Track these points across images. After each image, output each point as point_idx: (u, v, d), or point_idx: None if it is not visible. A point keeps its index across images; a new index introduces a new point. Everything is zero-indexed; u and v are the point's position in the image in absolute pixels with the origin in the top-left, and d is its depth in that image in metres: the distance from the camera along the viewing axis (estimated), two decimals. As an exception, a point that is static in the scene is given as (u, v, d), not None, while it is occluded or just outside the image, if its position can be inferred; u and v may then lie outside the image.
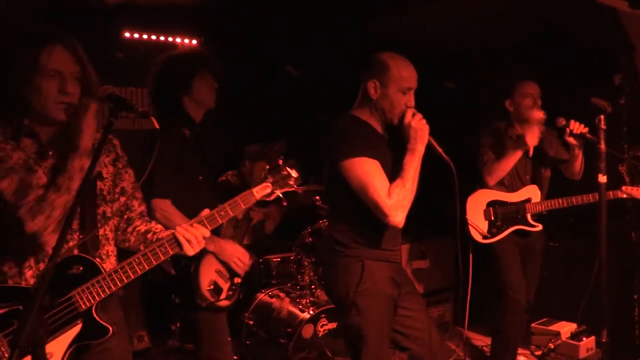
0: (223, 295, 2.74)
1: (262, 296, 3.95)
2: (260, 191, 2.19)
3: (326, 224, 3.93)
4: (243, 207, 2.14)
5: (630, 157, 4.00)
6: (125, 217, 2.13)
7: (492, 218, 3.66)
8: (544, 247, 3.86)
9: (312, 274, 3.96)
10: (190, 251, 1.98)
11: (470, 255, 3.50)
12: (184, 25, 4.58)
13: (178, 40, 4.63)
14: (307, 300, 3.76)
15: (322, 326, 3.65)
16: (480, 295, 3.47)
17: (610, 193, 3.51)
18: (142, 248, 2.05)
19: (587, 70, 4.07)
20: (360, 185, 2.33)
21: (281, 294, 3.88)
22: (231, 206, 2.10)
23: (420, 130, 2.37)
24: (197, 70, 2.81)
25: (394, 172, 2.41)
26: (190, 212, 2.60)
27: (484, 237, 3.65)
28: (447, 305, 4.77)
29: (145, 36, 4.47)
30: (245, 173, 4.85)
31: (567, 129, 3.33)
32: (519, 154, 3.52)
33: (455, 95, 4.84)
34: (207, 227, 2.02)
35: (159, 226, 2.13)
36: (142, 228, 2.12)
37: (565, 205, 3.58)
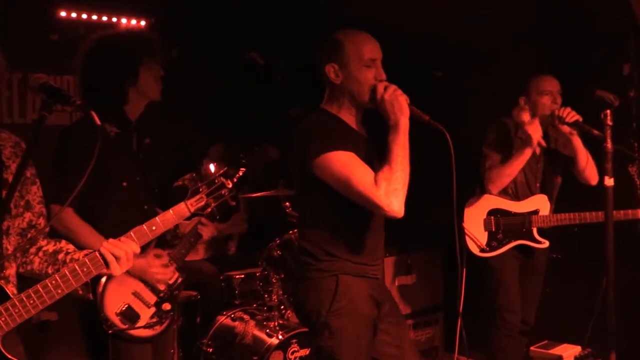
0: (141, 323, 2.65)
1: (223, 319, 3.92)
2: (194, 204, 2.15)
3: (297, 234, 3.93)
4: (175, 220, 2.11)
5: (642, 157, 4.09)
6: (28, 235, 2.01)
7: (493, 229, 3.68)
8: (547, 263, 3.89)
9: (281, 292, 3.94)
10: (117, 270, 1.92)
11: (464, 270, 3.54)
12: (131, 4, 4.55)
13: (124, 21, 4.58)
14: (276, 323, 3.73)
15: (292, 353, 3.63)
16: (475, 316, 3.52)
17: (630, 212, 3.53)
18: (50, 271, 1.96)
19: (593, 59, 4.15)
20: (341, 181, 2.33)
21: (245, 317, 3.85)
22: (163, 219, 2.06)
23: (396, 101, 2.36)
24: (144, 55, 2.77)
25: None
26: (109, 224, 2.56)
27: (482, 250, 3.67)
28: (437, 327, 4.78)
29: (84, 15, 4.40)
30: (204, 177, 4.85)
31: (556, 115, 3.38)
32: (527, 154, 3.51)
33: (445, 86, 4.91)
34: (135, 242, 1.97)
35: (71, 246, 2.05)
36: (50, 248, 2.03)
37: (578, 222, 3.59)
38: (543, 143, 3.56)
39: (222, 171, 2.29)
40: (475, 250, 3.67)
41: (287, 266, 3.97)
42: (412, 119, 2.40)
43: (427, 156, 4.47)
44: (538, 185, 3.74)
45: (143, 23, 4.67)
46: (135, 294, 2.69)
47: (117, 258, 1.92)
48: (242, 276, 4.18)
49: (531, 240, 3.70)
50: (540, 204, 3.70)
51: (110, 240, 1.95)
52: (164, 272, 2.75)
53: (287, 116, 5.07)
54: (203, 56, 4.82)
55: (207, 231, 3.10)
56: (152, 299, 2.73)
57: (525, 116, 3.49)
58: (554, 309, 4.30)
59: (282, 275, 3.99)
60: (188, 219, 2.19)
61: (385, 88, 2.40)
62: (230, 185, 2.26)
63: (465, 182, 3.43)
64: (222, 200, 2.23)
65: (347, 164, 2.33)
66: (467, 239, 3.66)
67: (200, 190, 2.20)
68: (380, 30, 2.54)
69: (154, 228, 2.04)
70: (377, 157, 2.48)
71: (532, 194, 3.72)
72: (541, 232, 3.72)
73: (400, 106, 2.36)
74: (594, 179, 3.64)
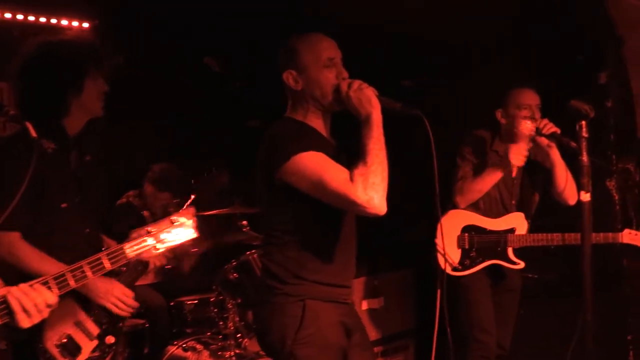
0: (82, 357, 2.60)
1: (173, 349, 3.87)
2: (136, 248, 2.10)
3: (255, 256, 3.90)
4: (109, 267, 2.05)
5: (620, 170, 4.17)
6: None
7: (467, 247, 3.71)
8: (522, 283, 3.92)
9: (237, 319, 3.92)
10: (25, 322, 1.84)
11: (439, 291, 3.54)
12: (72, 4, 4.49)
13: (64, 22, 4.52)
14: (232, 353, 3.72)
15: (251, 386, 3.63)
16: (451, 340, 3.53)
17: (610, 236, 3.57)
18: None
19: (570, 67, 4.23)
20: (314, 181, 2.31)
21: (198, 346, 3.83)
22: (92, 266, 2.00)
23: (363, 95, 2.37)
24: (91, 65, 2.72)
25: None
26: (48, 251, 2.47)
27: (454, 269, 3.69)
28: (407, 354, 4.77)
29: (20, 16, 4.35)
30: (147, 195, 4.81)
31: (529, 125, 3.40)
32: (499, 174, 3.57)
33: (414, 96, 4.94)
34: (52, 292, 1.89)
35: None
36: None
37: (557, 243, 3.62)
38: (514, 173, 3.61)
39: (182, 212, 2.24)
40: (447, 268, 3.68)
41: (245, 290, 3.95)
42: (385, 112, 2.39)
43: (397, 170, 4.50)
44: (514, 202, 3.77)
45: (86, 25, 4.61)
46: (78, 324, 2.63)
47: (24, 310, 1.82)
48: (195, 302, 4.14)
49: (506, 261, 3.72)
50: (516, 222, 3.73)
51: (22, 286, 1.84)
52: (127, 293, 2.70)
53: (245, 128, 5.05)
54: (151, 63, 4.77)
55: (155, 259, 3.05)
56: (95, 330, 2.67)
57: (525, 128, 3.47)
58: (531, 332, 4.34)
59: (239, 300, 3.97)
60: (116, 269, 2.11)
61: (349, 85, 2.41)
62: (194, 226, 2.20)
63: (444, 196, 3.44)
64: (175, 243, 2.19)
65: (319, 163, 2.33)
66: (439, 256, 3.66)
67: (148, 232, 2.14)
68: (345, 37, 2.55)
69: (78, 274, 1.96)
70: (347, 166, 2.48)
71: (507, 211, 3.75)
72: (517, 250, 3.75)
73: (368, 99, 2.37)
74: (572, 199, 3.64)
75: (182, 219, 2.24)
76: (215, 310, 4.03)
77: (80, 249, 1.97)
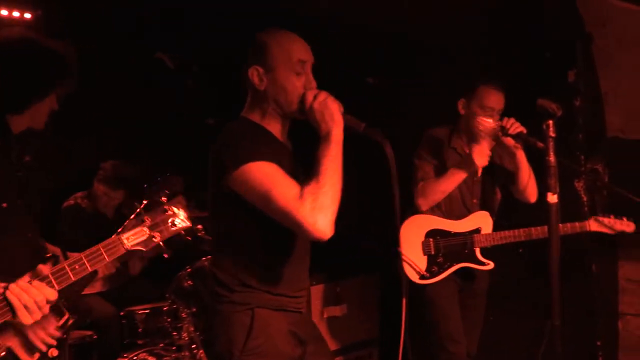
0: None
1: (124, 362, 3.83)
2: (133, 238, 2.09)
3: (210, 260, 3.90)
4: (107, 259, 2.03)
5: (588, 171, 4.27)
6: None
7: (433, 252, 3.72)
8: (488, 286, 3.98)
9: (192, 329, 3.90)
10: (27, 319, 1.88)
11: (404, 300, 3.56)
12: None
13: (4, 12, 4.43)
14: (187, 366, 3.69)
15: (206, 399, 3.61)
16: (416, 350, 3.56)
17: (577, 225, 3.67)
18: None
19: (539, 65, 4.30)
20: (261, 194, 2.28)
21: (150, 358, 3.81)
22: (90, 258, 2.00)
23: (327, 109, 2.35)
24: (60, 80, 2.68)
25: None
26: None
27: (422, 277, 3.70)
28: (371, 363, 4.84)
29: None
30: (98, 196, 4.75)
31: (497, 126, 3.46)
32: (462, 174, 3.60)
33: (378, 94, 4.99)
34: (54, 287, 1.91)
35: None
36: None
37: (524, 239, 3.68)
38: (479, 173, 3.66)
39: (175, 200, 2.22)
40: (414, 277, 3.69)
41: (200, 298, 3.93)
42: (347, 131, 2.38)
43: (361, 174, 4.54)
44: (475, 201, 3.81)
45: (28, 16, 4.52)
46: (19, 335, 2.58)
47: (25, 307, 1.84)
48: (147, 311, 4.09)
49: (474, 262, 3.76)
50: (481, 221, 3.77)
51: (20, 283, 1.86)
52: (49, 332, 2.65)
53: (201, 126, 5.03)
54: (99, 58, 4.71)
55: (104, 267, 3.01)
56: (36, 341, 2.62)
57: (485, 125, 3.51)
58: (500, 337, 4.41)
59: (194, 309, 3.95)
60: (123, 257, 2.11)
61: (315, 96, 2.38)
62: (185, 215, 2.19)
63: (405, 201, 3.46)
64: (174, 232, 2.16)
65: (269, 176, 2.29)
66: (405, 265, 3.67)
67: (143, 222, 2.11)
68: (308, 33, 2.53)
69: (77, 268, 1.96)
70: (303, 173, 2.47)
71: (469, 211, 3.79)
72: (484, 252, 3.80)
73: (331, 114, 2.35)
74: (533, 197, 3.75)
75: (174, 209, 2.21)
76: (169, 319, 4.00)
77: (24, 252, 1.94)
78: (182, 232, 2.27)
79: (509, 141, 3.54)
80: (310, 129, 2.41)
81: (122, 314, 4.10)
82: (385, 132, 2.45)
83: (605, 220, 3.72)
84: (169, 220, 2.18)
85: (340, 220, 2.33)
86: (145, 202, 2.27)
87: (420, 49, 4.67)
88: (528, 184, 3.71)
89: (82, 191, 4.71)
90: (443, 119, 3.93)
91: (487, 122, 3.51)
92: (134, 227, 2.11)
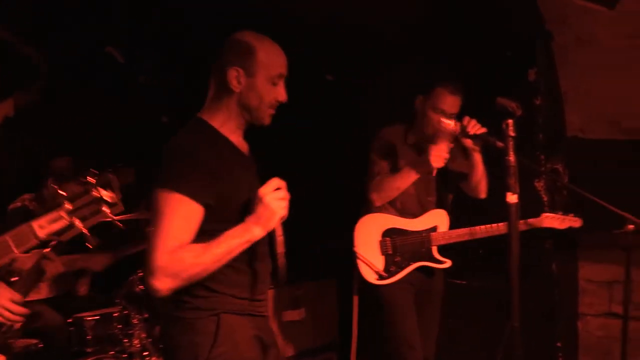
0: None
1: (72, 371, 3.77)
2: (47, 225, 1.97)
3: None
4: (16, 251, 1.94)
5: (548, 171, 4.34)
6: None
7: (390, 252, 3.74)
8: (445, 288, 4.02)
9: (144, 335, 3.86)
10: None
11: (356, 299, 3.58)
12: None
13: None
14: (138, 374, 3.65)
15: (159, 409, 3.58)
16: (374, 354, 3.58)
17: (529, 221, 3.74)
18: None
19: (499, 63, 4.36)
20: (155, 220, 2.30)
21: (100, 367, 3.73)
22: None
23: (271, 212, 2.35)
24: (18, 84, 2.63)
25: (246, 203, 2.39)
26: None
27: (380, 277, 3.71)
28: (329, 368, 4.85)
29: None
30: (47, 197, 4.64)
31: (457, 128, 3.50)
32: (417, 174, 3.64)
33: (336, 91, 5.00)
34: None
35: None
36: None
37: (481, 236, 3.73)
38: (434, 172, 3.69)
39: (102, 178, 2.05)
40: (371, 277, 3.70)
41: (152, 304, 3.89)
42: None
43: (321, 179, 4.54)
44: (430, 199, 3.86)
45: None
46: None
47: None
48: (96, 318, 4.02)
49: (432, 261, 3.80)
50: (438, 219, 3.81)
51: None
52: (14, 296, 2.60)
53: (154, 123, 4.98)
54: (46, 52, 4.63)
55: (52, 267, 2.96)
56: None
57: (446, 126, 3.54)
58: (459, 340, 4.46)
59: (146, 315, 3.91)
60: (36, 247, 1.98)
61: (276, 190, 2.38)
62: (113, 196, 2.06)
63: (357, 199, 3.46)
64: (100, 218, 2.02)
65: (172, 212, 2.29)
66: (361, 265, 3.69)
67: (61, 205, 1.95)
68: (266, 28, 2.54)
69: None
70: (253, 180, 2.48)
71: (425, 209, 3.82)
72: (442, 251, 3.83)
73: (270, 218, 2.36)
74: (484, 193, 3.84)
75: (102, 191, 2.09)
76: (119, 326, 3.93)
77: None
78: (113, 218, 2.14)
79: (468, 142, 3.59)
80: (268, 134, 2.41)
81: (69, 321, 4.02)
82: (345, 129, 2.46)
83: (555, 216, 3.80)
84: (94, 204, 2.04)
85: (297, 222, 2.34)
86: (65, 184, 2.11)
87: (379, 46, 4.70)
88: (480, 182, 3.79)
89: (29, 193, 4.62)
90: (401, 115, 3.96)
91: (448, 124, 3.54)
92: (48, 212, 1.95)
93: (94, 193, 2.04)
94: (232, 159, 2.46)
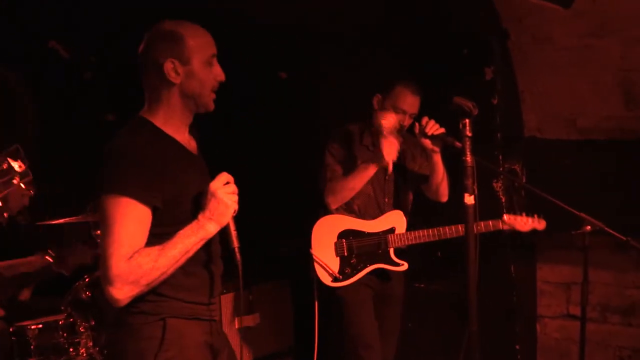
0: None
1: (14, 383, 3.71)
2: None
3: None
4: None
5: (506, 171, 4.42)
6: None
7: (345, 254, 3.77)
8: (405, 291, 4.06)
9: (91, 344, 3.82)
10: None
11: (316, 304, 3.60)
12: None
13: None
14: (85, 384, 3.60)
15: (106, 420, 3.54)
16: (331, 356, 3.59)
17: (490, 223, 3.81)
18: None
19: (456, 62, 4.42)
20: (105, 227, 2.30)
21: (44, 378, 3.68)
22: None
23: (224, 206, 2.38)
24: None
25: (195, 202, 2.40)
26: None
27: (335, 280, 3.74)
28: (285, 376, 4.85)
29: None
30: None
31: (417, 128, 3.56)
32: (372, 170, 3.66)
33: (291, 89, 5.01)
34: None
35: None
36: None
37: (438, 238, 3.78)
38: (390, 169, 3.72)
39: (7, 151, 2.02)
40: (326, 279, 3.73)
41: (100, 310, 3.86)
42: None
43: (273, 181, 4.54)
44: (387, 200, 3.90)
45: None
46: None
47: None
48: (40, 326, 3.95)
49: (388, 263, 3.84)
50: (396, 221, 3.86)
51: None
52: None
53: (99, 122, 4.93)
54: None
55: None
56: None
57: (388, 120, 3.60)
58: (417, 344, 4.51)
59: (93, 323, 3.86)
60: None
61: (226, 184, 2.40)
62: (23, 167, 2.04)
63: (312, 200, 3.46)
64: (9, 189, 2.01)
65: (123, 218, 2.29)
66: (317, 267, 3.72)
67: None
68: (218, 28, 2.56)
69: None
70: (202, 179, 2.47)
71: (382, 210, 3.87)
72: (400, 254, 3.87)
73: (223, 214, 2.38)
74: (445, 197, 3.90)
75: (9, 160, 2.05)
76: (65, 334, 3.87)
77: None
78: (22, 187, 2.12)
79: (427, 143, 3.63)
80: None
81: (11, 329, 3.96)
82: (300, 128, 2.48)
83: (518, 218, 3.87)
84: (5, 175, 2.04)
85: (249, 223, 2.35)
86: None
87: (335, 43, 4.73)
88: (441, 185, 3.84)
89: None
90: (357, 114, 3.99)
91: (390, 119, 3.61)
92: None
93: (4, 165, 2.04)
94: (177, 158, 2.44)
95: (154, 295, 2.40)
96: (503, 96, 4.42)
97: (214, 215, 2.38)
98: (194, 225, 2.36)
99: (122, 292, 2.27)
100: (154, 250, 2.30)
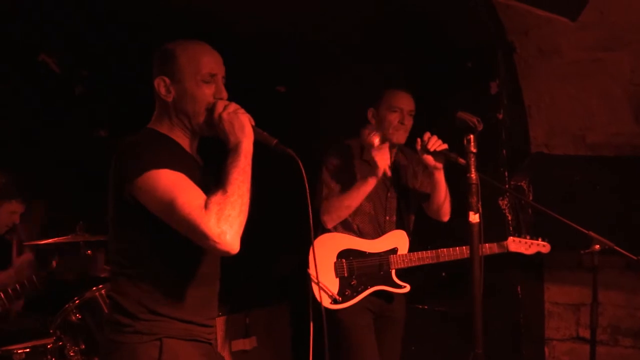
0: None
1: (0, 409, 3.70)
2: None
3: (103, 292, 3.81)
4: None
5: (512, 189, 4.40)
6: None
7: (345, 274, 3.73)
8: (406, 313, 4.03)
9: (80, 368, 3.79)
10: None
11: (312, 325, 3.57)
12: None
13: None
14: (73, 411, 3.59)
15: None
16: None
17: (495, 246, 3.80)
18: None
19: (460, 75, 4.43)
20: (165, 203, 2.29)
21: (31, 404, 3.66)
22: None
23: (236, 120, 2.41)
24: None
25: None
26: None
27: (334, 301, 3.71)
28: (283, 402, 4.82)
29: None
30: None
31: (419, 144, 3.55)
32: (369, 186, 3.64)
33: (289, 103, 5.01)
34: None
35: None
36: None
37: (442, 259, 3.76)
38: (388, 173, 3.71)
39: None
40: (325, 301, 3.69)
41: (90, 334, 3.85)
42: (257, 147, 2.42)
43: (268, 193, 4.52)
44: (388, 218, 3.87)
45: None
46: None
47: None
48: (27, 350, 3.95)
49: (390, 285, 3.80)
50: (398, 241, 3.83)
51: None
52: None
53: (90, 138, 4.93)
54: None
55: None
56: None
57: (375, 139, 3.60)
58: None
59: (83, 346, 3.85)
60: None
61: (225, 107, 2.43)
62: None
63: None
64: None
65: (173, 183, 2.30)
66: (315, 288, 3.68)
67: None
68: (211, 43, 2.56)
69: None
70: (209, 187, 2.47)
71: (382, 229, 3.84)
72: (401, 275, 3.84)
73: (241, 126, 2.41)
74: (446, 216, 3.88)
75: None
76: (53, 359, 3.86)
77: None
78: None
79: (429, 159, 3.62)
80: (221, 146, 2.42)
81: (-2, 353, 3.95)
82: (297, 142, 2.48)
83: (522, 240, 3.86)
84: None
85: (246, 243, 2.34)
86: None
87: (333, 57, 4.73)
88: (443, 204, 3.82)
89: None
90: (357, 129, 3.99)
91: (373, 137, 3.60)
92: None
93: None
94: (184, 158, 2.47)
95: (149, 314, 2.41)
96: (509, 111, 4.42)
97: (235, 132, 2.40)
98: (234, 157, 2.37)
99: (227, 235, 2.24)
100: (218, 191, 2.30)
